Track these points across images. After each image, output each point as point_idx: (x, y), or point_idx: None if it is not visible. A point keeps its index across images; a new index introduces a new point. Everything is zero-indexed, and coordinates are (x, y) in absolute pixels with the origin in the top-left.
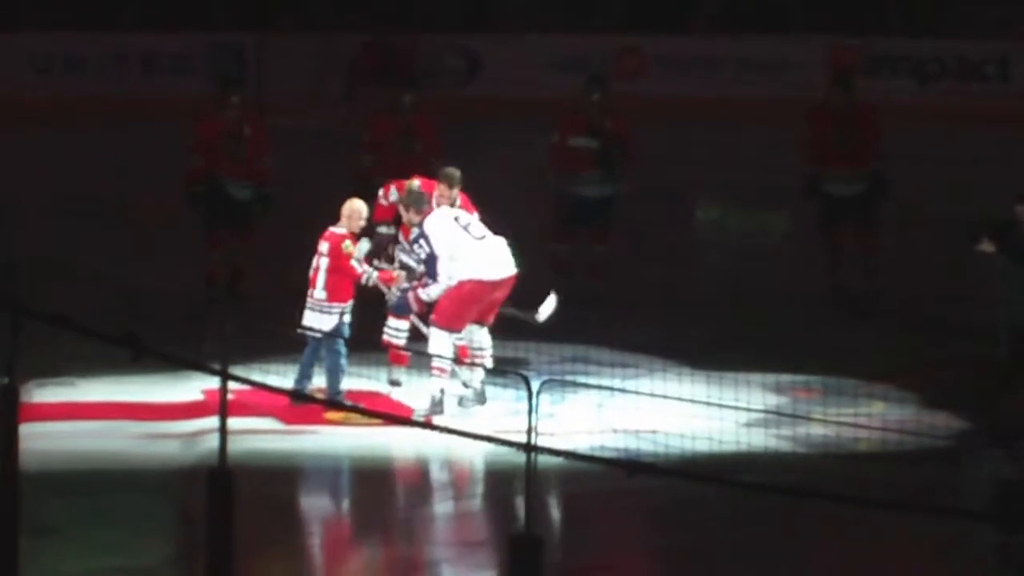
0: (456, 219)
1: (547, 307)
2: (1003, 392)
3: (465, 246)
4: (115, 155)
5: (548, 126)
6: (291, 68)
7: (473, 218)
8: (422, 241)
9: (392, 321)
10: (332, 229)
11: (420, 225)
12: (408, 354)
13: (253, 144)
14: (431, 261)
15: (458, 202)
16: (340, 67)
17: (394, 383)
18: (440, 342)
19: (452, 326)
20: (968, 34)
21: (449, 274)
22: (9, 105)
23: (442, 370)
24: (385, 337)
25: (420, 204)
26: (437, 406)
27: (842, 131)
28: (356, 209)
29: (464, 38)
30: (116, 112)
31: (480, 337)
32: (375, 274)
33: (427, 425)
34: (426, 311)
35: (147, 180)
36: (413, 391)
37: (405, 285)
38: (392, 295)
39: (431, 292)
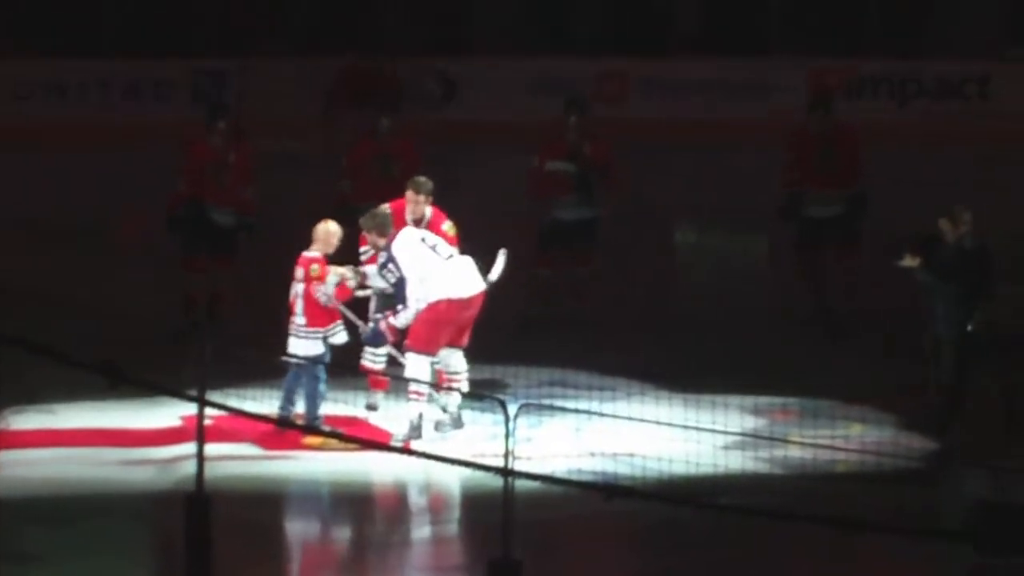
0: (423, 240)
1: (497, 266)
2: (954, 410)
3: (434, 267)
4: (96, 182)
5: (526, 150)
6: (272, 94)
7: (439, 239)
8: (391, 266)
9: (369, 349)
10: (305, 253)
11: (388, 248)
12: (387, 379)
13: (237, 171)
14: (400, 285)
15: (429, 213)
16: (319, 92)
17: (371, 407)
18: (417, 367)
19: (427, 349)
20: (947, 54)
21: (418, 297)
22: None
23: (419, 394)
24: (363, 363)
25: (385, 228)
26: (415, 430)
27: (823, 154)
28: (330, 231)
29: (440, 61)
30: (98, 139)
31: (455, 361)
32: (331, 290)
33: (405, 450)
34: (400, 339)
35: (128, 206)
36: (390, 416)
37: (376, 316)
38: (365, 329)
39: (402, 318)
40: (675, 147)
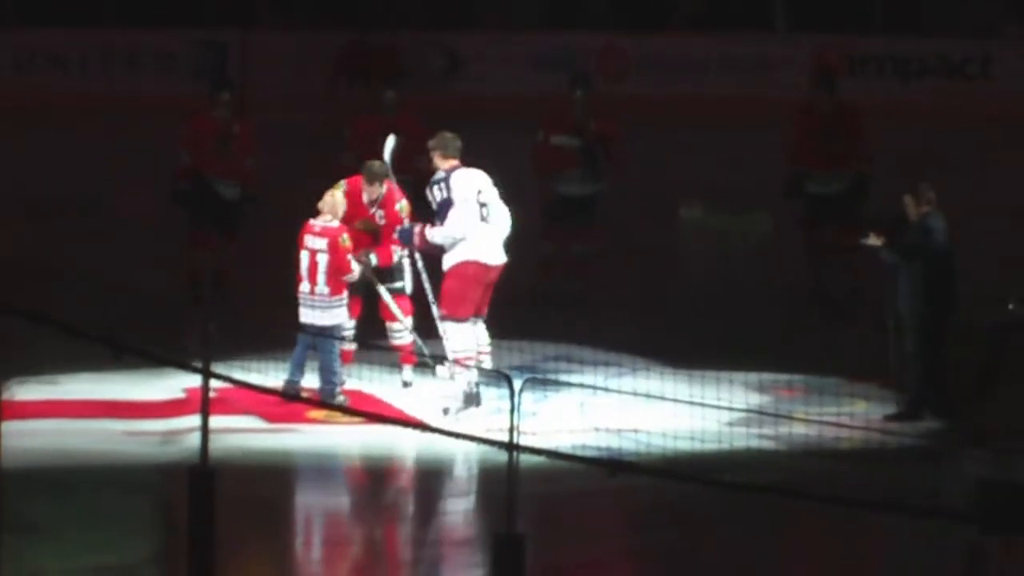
0: (479, 192)
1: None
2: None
3: (474, 222)
4: (98, 153)
5: (530, 124)
6: (274, 66)
7: (491, 201)
8: (443, 185)
9: (391, 324)
10: (322, 224)
11: (448, 172)
12: (414, 354)
13: (240, 143)
14: (445, 206)
15: (383, 191)
16: (322, 65)
17: (406, 383)
18: (456, 334)
19: (461, 313)
20: (951, 33)
21: (458, 227)
22: None
23: (464, 364)
24: (392, 341)
25: (447, 149)
26: (471, 399)
27: (827, 132)
28: (338, 202)
29: (444, 36)
30: (99, 110)
31: (479, 333)
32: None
33: (410, 423)
34: (423, 247)
35: (130, 178)
36: (422, 391)
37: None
38: (403, 224)
39: (437, 233)
40: (677, 124)
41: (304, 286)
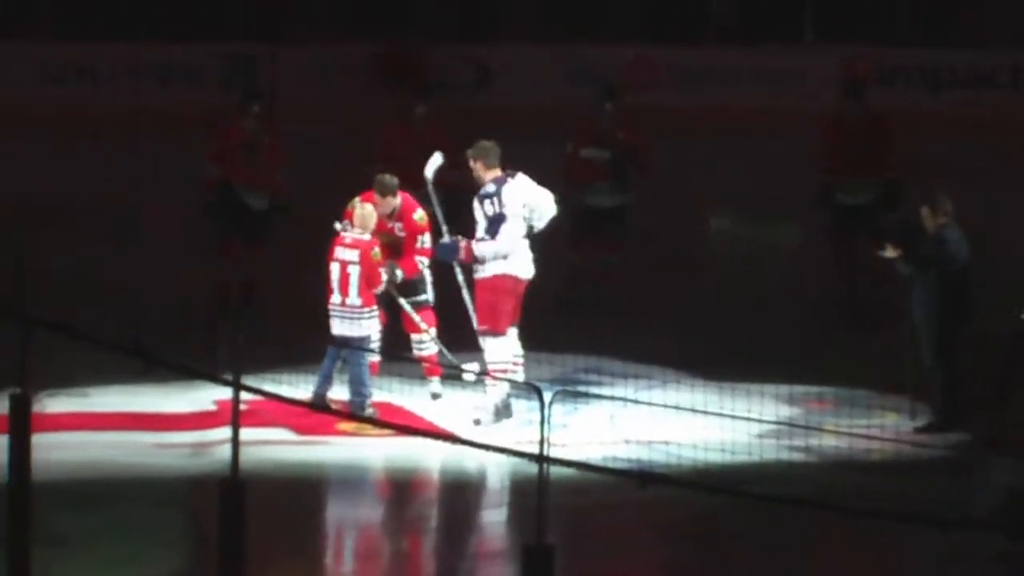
0: (524, 205)
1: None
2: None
3: (519, 236)
4: (128, 166)
5: (559, 136)
6: (303, 78)
7: (536, 216)
8: (495, 200)
9: (416, 336)
10: (354, 236)
11: (499, 183)
12: (440, 366)
13: (269, 155)
14: (497, 220)
15: (398, 203)
16: (349, 77)
17: (435, 396)
18: (496, 348)
19: (501, 328)
20: (979, 43)
21: (508, 240)
22: (23, 115)
23: (497, 376)
24: (416, 353)
25: (489, 158)
26: (503, 411)
27: (856, 142)
28: (367, 214)
29: (473, 48)
30: (129, 123)
31: (515, 344)
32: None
33: (440, 436)
34: (469, 261)
35: (160, 191)
36: (450, 404)
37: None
38: (446, 238)
39: (487, 248)
40: (706, 135)
41: (335, 298)
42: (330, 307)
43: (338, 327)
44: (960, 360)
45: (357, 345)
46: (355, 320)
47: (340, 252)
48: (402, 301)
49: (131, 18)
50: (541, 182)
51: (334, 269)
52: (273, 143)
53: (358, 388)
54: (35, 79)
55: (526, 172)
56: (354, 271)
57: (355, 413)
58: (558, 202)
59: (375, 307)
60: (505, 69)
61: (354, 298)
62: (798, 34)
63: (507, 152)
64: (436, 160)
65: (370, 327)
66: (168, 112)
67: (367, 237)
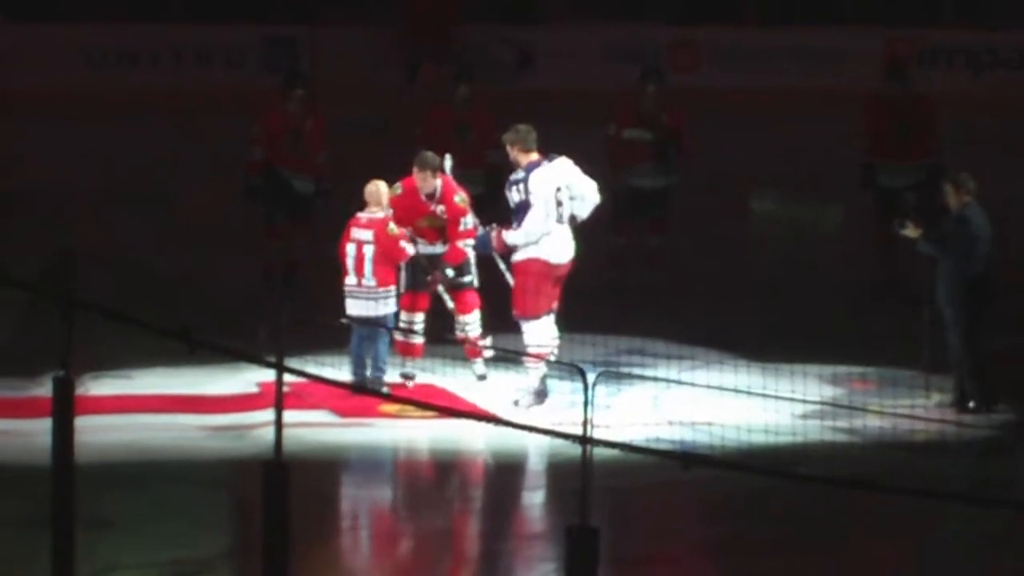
0: (558, 190)
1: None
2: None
3: (550, 220)
4: (169, 149)
5: (601, 118)
6: (344, 60)
7: (570, 199)
8: (521, 187)
9: (462, 318)
10: (368, 215)
11: (528, 170)
12: (481, 347)
13: (312, 139)
14: (523, 208)
15: (439, 185)
16: (391, 60)
17: (481, 377)
18: (533, 331)
19: (537, 312)
20: (1021, 24)
21: (530, 236)
22: (62, 98)
23: (535, 361)
24: (459, 334)
25: (526, 143)
26: (540, 395)
27: (899, 123)
28: (382, 192)
29: (515, 30)
30: (169, 105)
31: (552, 327)
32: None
33: (482, 417)
34: (506, 252)
35: (201, 173)
36: (495, 385)
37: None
38: (479, 231)
39: (514, 236)
40: (748, 116)
41: (351, 279)
42: (346, 288)
43: (355, 307)
44: (979, 342)
45: (377, 323)
46: (373, 299)
47: (355, 232)
48: (440, 288)
49: (171, 0)
50: (583, 164)
51: (349, 250)
52: (316, 127)
53: (379, 364)
54: (75, 62)
55: (568, 155)
56: (368, 251)
57: (375, 389)
58: (601, 189)
59: (391, 287)
60: (546, 51)
61: (369, 278)
62: (839, 14)
63: (548, 135)
64: (447, 162)
65: (388, 306)
66: (208, 94)
67: (380, 215)
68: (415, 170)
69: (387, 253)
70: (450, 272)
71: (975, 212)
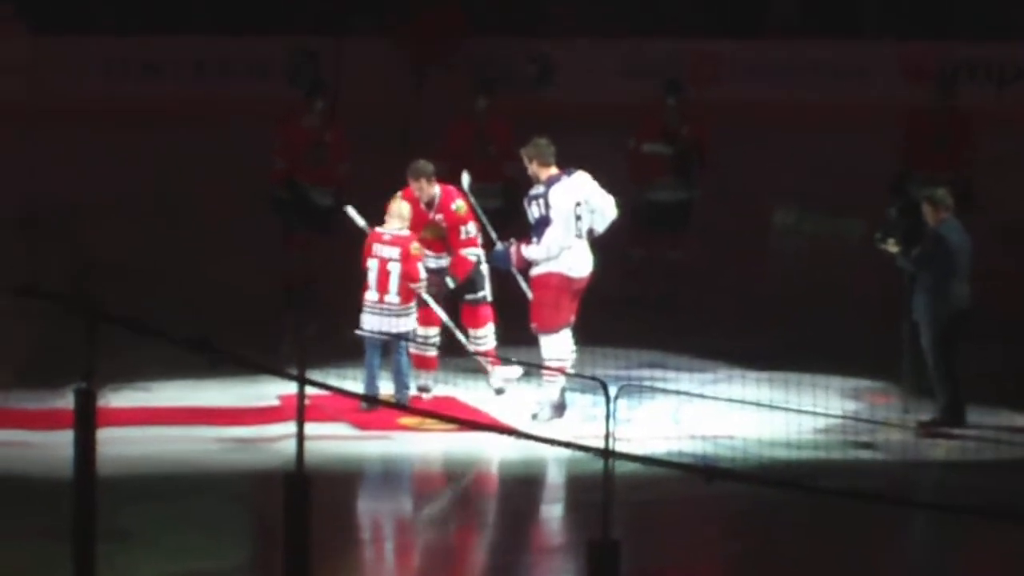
0: (578, 204)
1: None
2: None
3: (569, 235)
4: (192, 160)
5: (622, 131)
6: (366, 72)
7: (588, 215)
8: (541, 202)
9: (474, 331)
10: (392, 232)
11: (548, 184)
12: (496, 358)
13: (334, 150)
14: (541, 223)
15: (437, 192)
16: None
17: (499, 392)
18: (551, 344)
19: (556, 326)
20: None
21: (550, 252)
22: (87, 110)
23: (553, 374)
24: (472, 347)
25: (544, 157)
26: (558, 409)
27: (934, 137)
28: (406, 207)
29: (535, 43)
30: (192, 116)
31: (569, 340)
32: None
33: (502, 430)
34: (524, 267)
35: (224, 184)
36: (514, 398)
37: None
38: (499, 247)
39: (533, 251)
40: (769, 129)
41: (371, 294)
42: (365, 303)
43: (374, 323)
44: (960, 357)
45: (398, 338)
46: (396, 316)
47: (379, 249)
48: (429, 299)
49: (194, 11)
50: (601, 177)
51: (372, 266)
52: (337, 139)
53: (401, 379)
54: (98, 74)
55: (587, 168)
56: (395, 268)
57: (397, 403)
58: (619, 204)
59: (413, 303)
60: (567, 64)
61: (393, 295)
62: (858, 28)
63: (567, 148)
64: (465, 179)
65: (411, 322)
66: (231, 106)
67: (406, 232)
68: (409, 180)
69: (407, 273)
70: (450, 283)
71: (952, 229)
